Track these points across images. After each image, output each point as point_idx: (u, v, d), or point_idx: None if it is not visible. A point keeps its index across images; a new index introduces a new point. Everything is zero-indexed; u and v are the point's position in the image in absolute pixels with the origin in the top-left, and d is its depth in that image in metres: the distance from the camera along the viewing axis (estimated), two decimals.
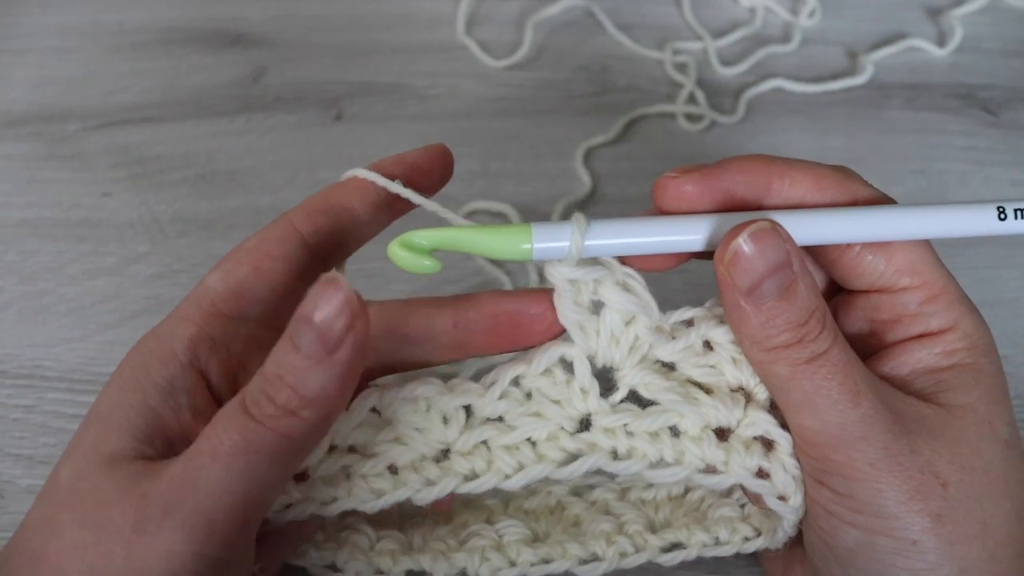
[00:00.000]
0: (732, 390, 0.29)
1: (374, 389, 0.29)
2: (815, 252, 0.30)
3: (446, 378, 0.30)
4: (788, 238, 0.27)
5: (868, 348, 0.30)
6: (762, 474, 0.28)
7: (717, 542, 0.31)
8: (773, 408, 0.29)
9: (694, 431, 0.28)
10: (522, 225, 0.28)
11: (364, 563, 0.31)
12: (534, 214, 0.50)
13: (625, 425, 0.28)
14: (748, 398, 0.29)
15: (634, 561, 0.31)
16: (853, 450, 0.26)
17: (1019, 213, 0.28)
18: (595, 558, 0.31)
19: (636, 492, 0.34)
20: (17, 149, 0.53)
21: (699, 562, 0.33)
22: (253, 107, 0.56)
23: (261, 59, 0.59)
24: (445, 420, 0.29)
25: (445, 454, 0.29)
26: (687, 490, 0.34)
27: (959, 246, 0.48)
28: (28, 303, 0.46)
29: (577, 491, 0.34)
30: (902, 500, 0.26)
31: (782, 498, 0.28)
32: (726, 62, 0.59)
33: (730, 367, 0.29)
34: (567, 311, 0.28)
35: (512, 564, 0.31)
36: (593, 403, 0.28)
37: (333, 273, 0.25)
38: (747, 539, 0.32)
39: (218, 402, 0.28)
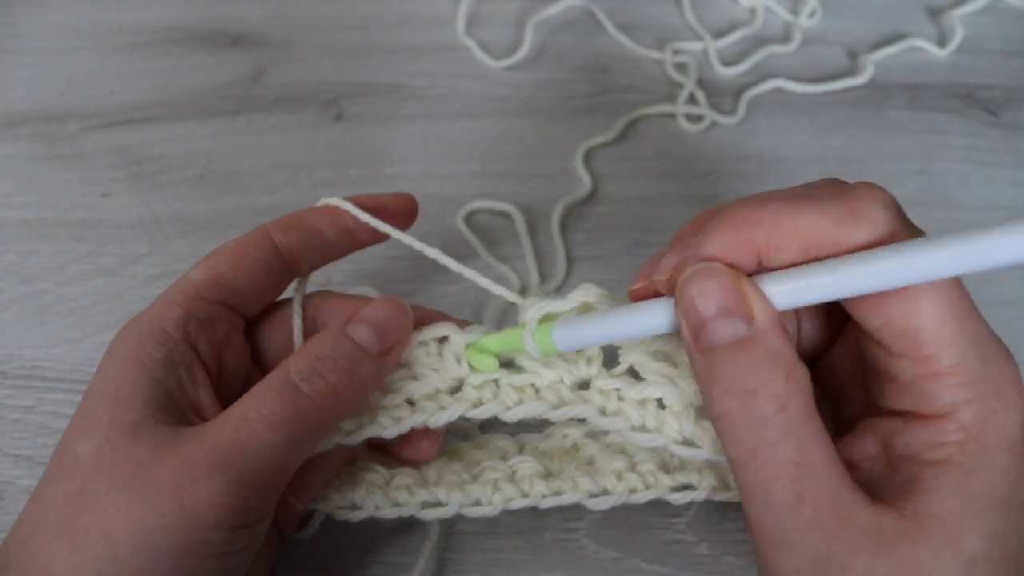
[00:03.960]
0: None
1: None
2: None
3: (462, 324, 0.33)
4: (752, 288, 0.24)
5: (857, 397, 0.28)
6: None
7: (727, 487, 0.32)
8: None
9: (677, 407, 0.30)
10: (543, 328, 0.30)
11: (382, 497, 0.33)
12: (534, 214, 0.50)
13: (618, 390, 0.31)
14: None
15: (643, 497, 0.32)
16: (781, 552, 0.24)
17: None
18: (605, 492, 0.32)
19: None
20: (17, 149, 0.53)
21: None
22: (253, 107, 0.56)
23: (261, 59, 0.59)
24: (458, 359, 0.32)
25: (458, 388, 0.32)
26: None
27: None
28: (27, 303, 0.46)
29: (592, 434, 0.35)
30: None
31: None
32: (726, 62, 0.59)
33: None
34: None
35: (524, 495, 0.32)
36: (595, 370, 0.31)
37: (392, 297, 0.32)
38: None
39: (209, 374, 0.31)
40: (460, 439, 0.37)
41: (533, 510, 0.33)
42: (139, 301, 0.46)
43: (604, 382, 0.31)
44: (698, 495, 0.32)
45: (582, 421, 0.32)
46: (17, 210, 0.50)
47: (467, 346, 0.32)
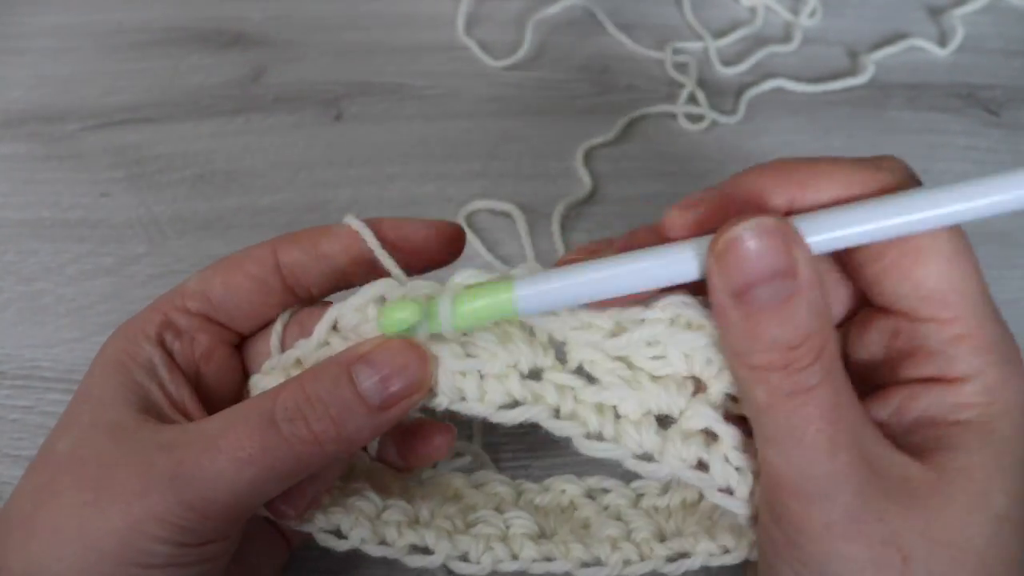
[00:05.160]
0: (684, 377, 0.28)
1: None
2: (842, 258, 0.27)
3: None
4: (799, 243, 0.23)
5: (878, 377, 0.27)
6: (702, 466, 0.27)
7: (725, 551, 0.30)
8: (734, 401, 0.28)
9: (635, 415, 0.27)
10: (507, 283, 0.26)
11: (369, 531, 0.31)
12: (534, 214, 0.49)
13: (574, 389, 0.27)
14: (699, 388, 0.28)
15: (638, 570, 0.30)
16: (813, 506, 0.24)
17: None
18: (598, 562, 0.30)
19: (649, 499, 0.33)
20: (15, 149, 0.53)
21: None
22: (252, 107, 0.56)
23: (260, 59, 0.59)
24: (288, 376, 0.29)
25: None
26: (701, 497, 0.33)
27: None
28: (27, 304, 0.46)
29: (591, 493, 0.34)
30: (852, 569, 0.24)
31: (727, 491, 0.27)
32: (727, 62, 0.59)
33: (680, 361, 0.27)
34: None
35: (514, 557, 0.31)
36: (549, 361, 0.28)
37: (416, 341, 0.27)
38: (753, 544, 0.31)
39: (188, 382, 0.30)
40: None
41: None
42: (138, 301, 0.46)
43: (559, 377, 0.27)
44: (693, 563, 0.30)
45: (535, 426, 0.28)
46: (16, 210, 0.50)
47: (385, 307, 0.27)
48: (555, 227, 0.48)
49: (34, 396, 0.42)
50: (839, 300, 0.28)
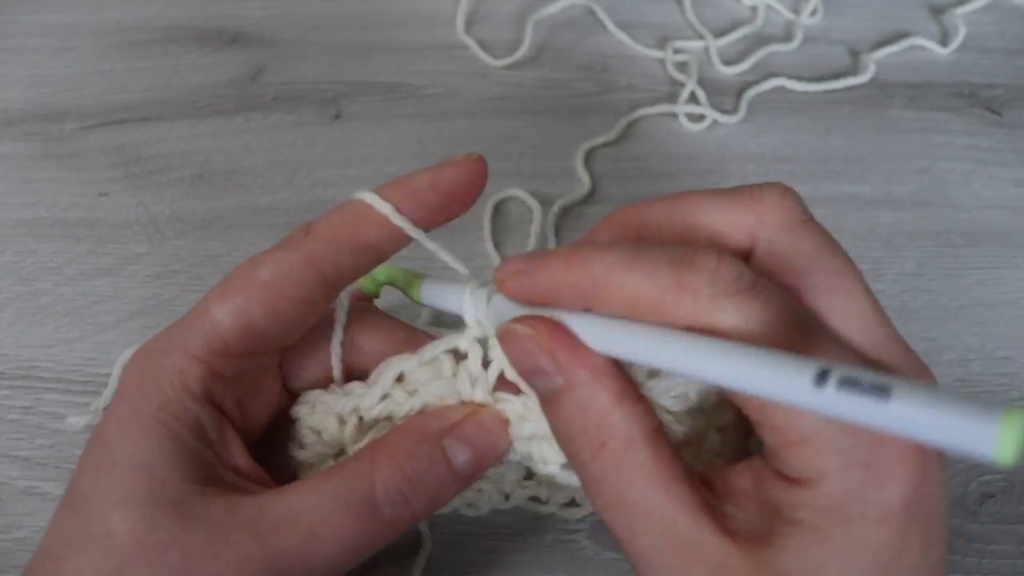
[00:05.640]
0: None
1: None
2: None
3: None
4: (567, 346, 0.24)
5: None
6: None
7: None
8: None
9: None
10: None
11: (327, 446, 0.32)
12: (534, 213, 0.49)
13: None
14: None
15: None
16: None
17: (843, 384, 0.18)
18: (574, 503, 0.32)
19: None
20: (13, 149, 0.53)
21: None
22: (251, 106, 0.55)
23: (260, 58, 0.59)
24: (341, 422, 0.30)
25: (342, 453, 0.30)
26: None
27: (961, 247, 0.48)
28: (25, 303, 0.46)
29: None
30: None
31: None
32: (727, 61, 0.59)
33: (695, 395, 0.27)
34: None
35: (507, 498, 0.32)
36: (480, 394, 0.28)
37: (500, 414, 0.28)
38: None
39: (235, 427, 0.28)
40: None
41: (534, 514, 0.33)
42: (137, 301, 0.46)
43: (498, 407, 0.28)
44: None
45: None
46: (14, 210, 0.50)
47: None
48: (549, 229, 0.48)
49: (32, 396, 0.42)
50: None
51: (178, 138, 0.54)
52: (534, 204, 0.49)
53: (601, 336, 0.24)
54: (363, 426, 0.30)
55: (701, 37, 0.60)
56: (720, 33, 0.60)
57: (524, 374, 0.25)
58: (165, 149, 0.53)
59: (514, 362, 0.25)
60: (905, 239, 0.49)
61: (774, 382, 0.19)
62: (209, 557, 0.24)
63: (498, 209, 0.50)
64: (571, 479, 0.28)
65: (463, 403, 0.29)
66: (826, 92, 0.57)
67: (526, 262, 0.25)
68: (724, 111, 0.55)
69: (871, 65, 0.57)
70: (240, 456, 0.28)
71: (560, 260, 0.24)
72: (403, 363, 0.29)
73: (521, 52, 0.58)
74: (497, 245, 0.48)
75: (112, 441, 0.26)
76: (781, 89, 0.57)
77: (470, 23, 0.61)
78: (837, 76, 0.57)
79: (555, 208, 0.49)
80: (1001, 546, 0.38)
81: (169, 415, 0.26)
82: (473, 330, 0.29)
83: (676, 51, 0.59)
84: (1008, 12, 0.62)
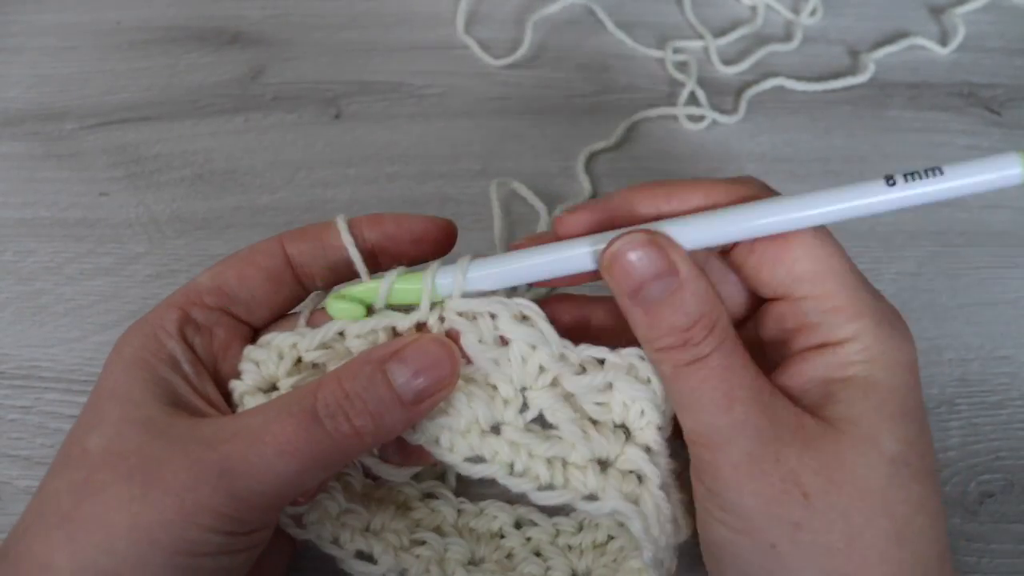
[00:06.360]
0: (616, 426, 0.31)
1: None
2: (731, 263, 0.31)
3: None
4: (671, 245, 0.28)
5: (779, 355, 0.30)
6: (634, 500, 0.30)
7: None
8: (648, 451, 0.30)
9: (581, 461, 0.30)
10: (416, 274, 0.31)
11: (327, 528, 0.34)
12: (534, 212, 0.49)
13: (529, 445, 0.30)
14: (628, 435, 0.31)
15: None
16: (719, 452, 0.27)
17: (909, 177, 0.27)
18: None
19: (565, 537, 0.36)
20: (14, 148, 0.53)
21: None
22: (251, 106, 0.55)
23: (259, 58, 0.59)
24: (280, 356, 0.31)
25: (274, 390, 0.32)
26: (610, 538, 0.36)
27: (960, 246, 0.48)
28: (25, 303, 0.46)
29: (519, 522, 0.37)
30: (760, 505, 0.27)
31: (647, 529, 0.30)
32: (727, 61, 0.59)
33: (619, 408, 0.30)
34: (474, 349, 0.30)
35: None
36: (510, 415, 0.30)
37: (444, 338, 0.30)
38: None
39: (208, 372, 0.31)
40: None
41: None
42: (137, 300, 0.46)
43: (516, 435, 0.30)
44: None
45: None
46: (15, 209, 0.50)
47: (333, 295, 0.32)
48: (543, 228, 0.48)
49: (32, 396, 0.42)
50: (739, 300, 0.32)
51: (178, 138, 0.54)
52: (540, 205, 0.49)
53: (683, 232, 0.28)
54: (300, 367, 0.32)
55: (701, 37, 0.60)
56: (720, 33, 0.60)
57: (638, 287, 0.27)
58: (165, 149, 0.53)
59: (626, 278, 0.28)
60: (905, 239, 0.49)
61: (861, 199, 0.27)
62: (164, 460, 0.27)
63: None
64: (472, 471, 0.30)
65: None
66: (825, 92, 0.57)
67: (585, 204, 0.30)
68: (723, 111, 0.55)
69: (870, 65, 0.57)
70: (212, 393, 0.31)
71: (636, 189, 0.30)
72: (347, 325, 0.31)
73: (521, 52, 0.58)
74: (500, 244, 0.48)
75: (100, 381, 0.30)
76: (780, 89, 0.57)
77: (470, 23, 0.61)
78: (836, 76, 0.57)
79: (557, 210, 0.49)
80: (1000, 545, 0.38)
81: (148, 351, 0.30)
82: (419, 313, 0.31)
83: (676, 51, 0.59)
84: (1008, 12, 0.62)
